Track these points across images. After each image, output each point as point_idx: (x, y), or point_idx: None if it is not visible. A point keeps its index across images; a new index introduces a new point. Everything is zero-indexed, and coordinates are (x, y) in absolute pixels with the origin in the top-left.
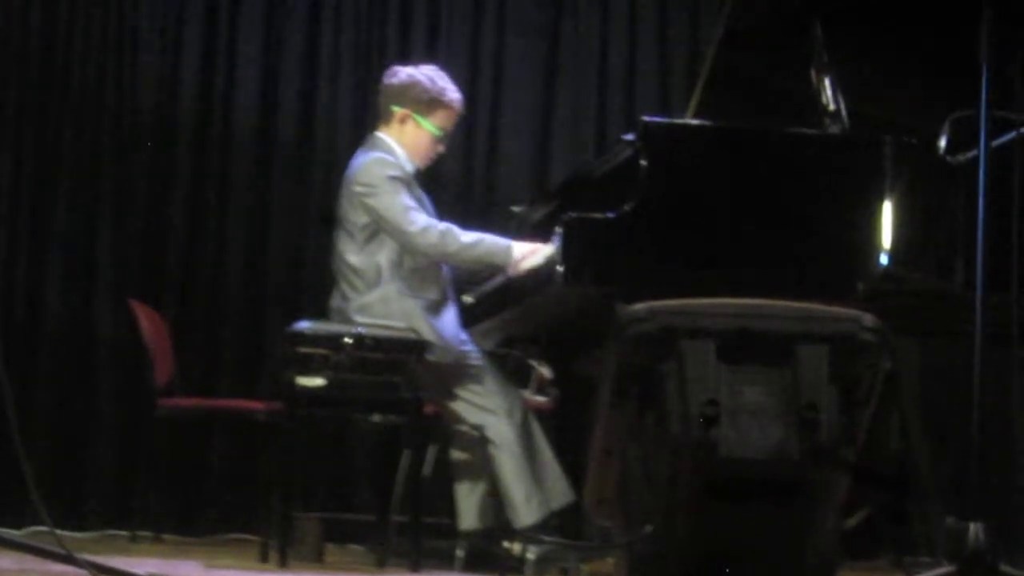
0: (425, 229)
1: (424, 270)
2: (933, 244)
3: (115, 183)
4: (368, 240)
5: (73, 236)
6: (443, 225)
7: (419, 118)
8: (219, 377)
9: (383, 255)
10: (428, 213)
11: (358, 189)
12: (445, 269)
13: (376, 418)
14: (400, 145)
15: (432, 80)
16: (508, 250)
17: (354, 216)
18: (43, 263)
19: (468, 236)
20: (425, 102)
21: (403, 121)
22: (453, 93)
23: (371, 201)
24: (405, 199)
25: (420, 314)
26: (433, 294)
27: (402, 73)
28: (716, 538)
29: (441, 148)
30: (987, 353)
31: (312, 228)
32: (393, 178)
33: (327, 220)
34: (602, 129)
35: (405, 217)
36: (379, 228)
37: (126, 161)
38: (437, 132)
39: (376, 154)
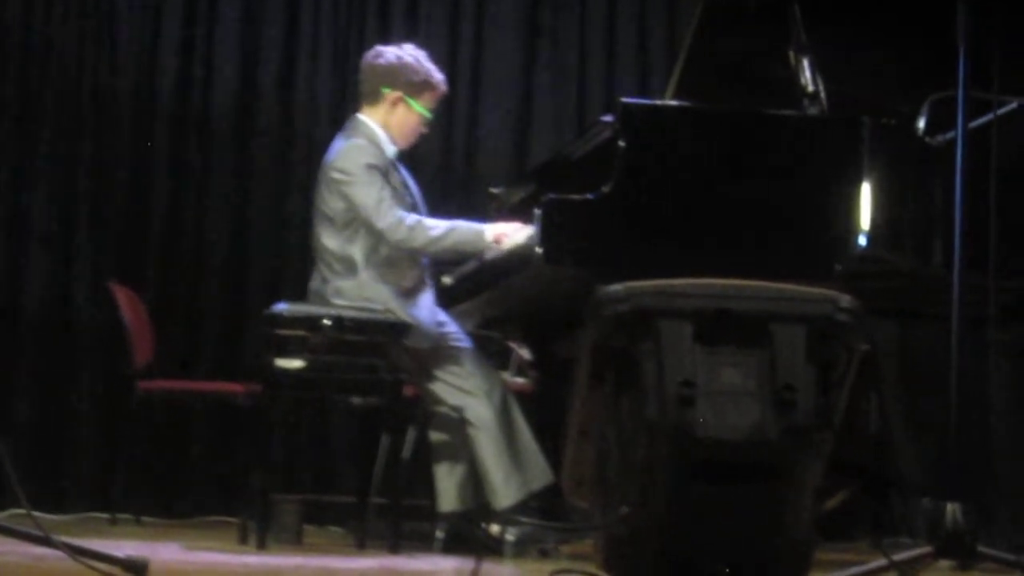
0: (394, 225)
1: (400, 258)
2: (911, 225)
3: (94, 165)
4: (345, 225)
5: (53, 218)
6: (413, 219)
7: (411, 100)
8: (199, 359)
9: (359, 242)
10: (411, 196)
11: (335, 176)
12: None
13: (355, 400)
14: (384, 127)
15: (419, 61)
16: (480, 235)
17: (331, 201)
18: (22, 245)
19: (438, 228)
20: (416, 84)
21: (395, 104)
22: (438, 74)
23: (347, 190)
24: (379, 190)
25: (394, 301)
26: (408, 281)
27: (389, 54)
28: (693, 519)
29: (424, 130)
30: (964, 334)
31: (292, 211)
32: (370, 167)
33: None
34: (582, 111)
35: (377, 210)
36: (354, 216)
37: (105, 143)
38: (428, 114)
39: (355, 140)
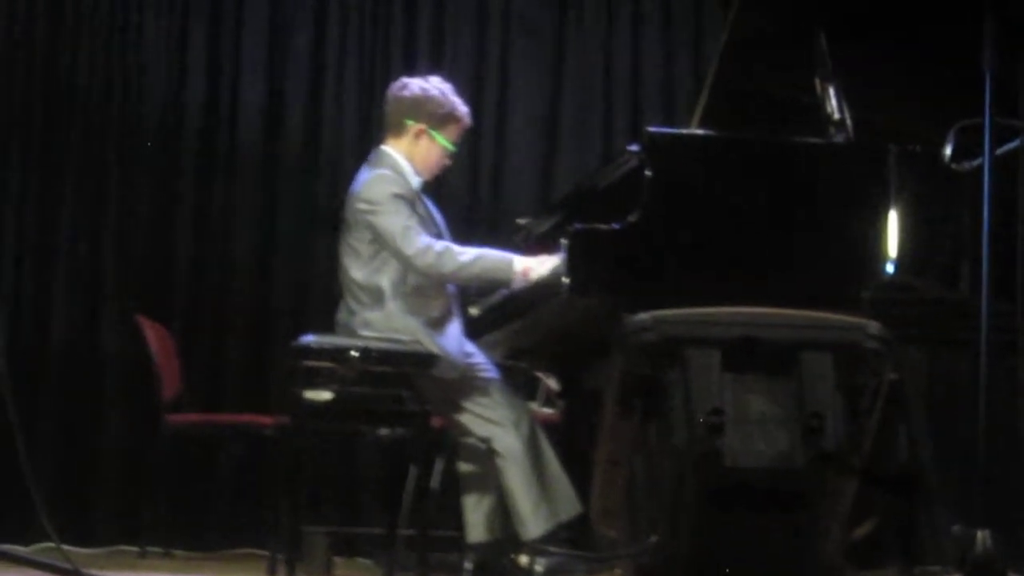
0: (421, 251)
1: (427, 288)
2: (938, 252)
3: (120, 199)
4: (373, 256)
5: (79, 252)
6: (441, 245)
7: (434, 133)
8: (226, 392)
9: (386, 273)
10: (436, 226)
11: (361, 207)
12: (451, 284)
13: (383, 431)
14: (408, 159)
15: (444, 94)
16: (509, 263)
17: (358, 232)
18: (49, 279)
19: (466, 255)
20: (440, 117)
21: (418, 136)
22: (463, 107)
23: (373, 219)
24: (406, 219)
25: (422, 331)
26: (435, 311)
27: (414, 86)
28: (721, 547)
29: (448, 162)
30: (993, 361)
31: (318, 242)
32: (396, 196)
33: (335, 227)
34: (607, 140)
35: (404, 238)
36: (381, 246)
37: (131, 176)
38: (452, 147)
39: (381, 171)
